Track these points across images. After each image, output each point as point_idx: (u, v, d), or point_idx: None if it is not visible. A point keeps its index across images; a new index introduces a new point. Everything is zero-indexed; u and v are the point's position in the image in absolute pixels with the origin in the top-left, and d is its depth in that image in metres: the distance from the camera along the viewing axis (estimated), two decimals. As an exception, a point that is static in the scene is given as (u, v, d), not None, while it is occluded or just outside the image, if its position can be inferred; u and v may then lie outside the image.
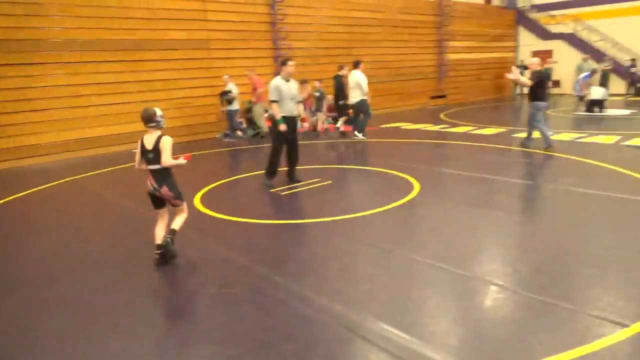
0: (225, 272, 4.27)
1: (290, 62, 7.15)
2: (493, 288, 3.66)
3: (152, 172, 4.32)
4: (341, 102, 11.81)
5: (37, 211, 6.78)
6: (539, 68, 9.06)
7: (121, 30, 11.29)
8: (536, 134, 9.24)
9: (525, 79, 9.26)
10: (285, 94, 7.07)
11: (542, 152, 8.78)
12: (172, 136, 4.43)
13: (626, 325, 3.02)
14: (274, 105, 7.09)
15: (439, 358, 2.81)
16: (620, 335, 2.93)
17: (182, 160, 4.42)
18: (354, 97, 11.11)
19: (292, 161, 7.47)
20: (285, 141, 7.25)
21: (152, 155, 4.28)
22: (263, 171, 7.42)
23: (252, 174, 8.16)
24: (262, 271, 4.17)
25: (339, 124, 12.34)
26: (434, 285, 3.80)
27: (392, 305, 3.48)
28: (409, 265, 4.20)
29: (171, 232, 4.47)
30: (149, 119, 4.27)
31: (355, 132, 11.24)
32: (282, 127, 7.01)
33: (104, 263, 4.60)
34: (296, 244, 5.03)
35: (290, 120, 7.18)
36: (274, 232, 5.40)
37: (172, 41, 12.11)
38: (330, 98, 14.54)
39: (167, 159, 4.24)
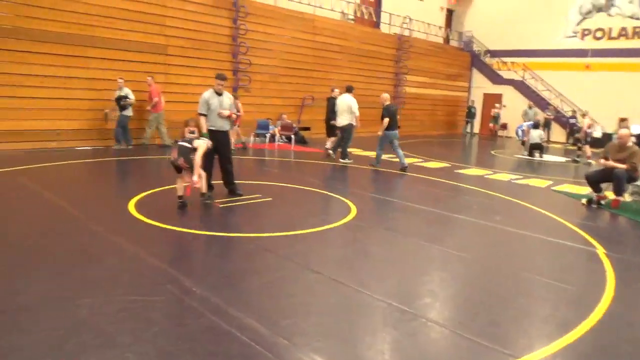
0: (148, 279, 4.16)
1: (218, 79, 7.05)
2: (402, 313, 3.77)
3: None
4: (332, 122, 12.04)
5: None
6: (387, 103, 10.94)
7: (74, 24, 11.01)
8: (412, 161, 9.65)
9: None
10: (214, 108, 7.01)
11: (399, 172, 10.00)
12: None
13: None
14: (201, 118, 7.03)
15: (340, 378, 2.84)
16: (513, 365, 3.08)
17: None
18: (343, 120, 11.35)
19: (227, 174, 7.38)
20: (213, 155, 7.12)
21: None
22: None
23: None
24: (185, 282, 4.10)
25: (328, 144, 12.33)
26: (351, 308, 3.85)
27: (300, 323, 3.51)
28: (333, 286, 4.25)
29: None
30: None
31: (344, 159, 11.49)
32: (207, 142, 6.71)
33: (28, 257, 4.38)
34: (223, 257, 4.99)
35: (218, 134, 7.09)
36: (206, 243, 5.33)
37: (126, 42, 11.90)
38: (285, 117, 14.69)
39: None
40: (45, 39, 10.57)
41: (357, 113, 11.34)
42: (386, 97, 11.11)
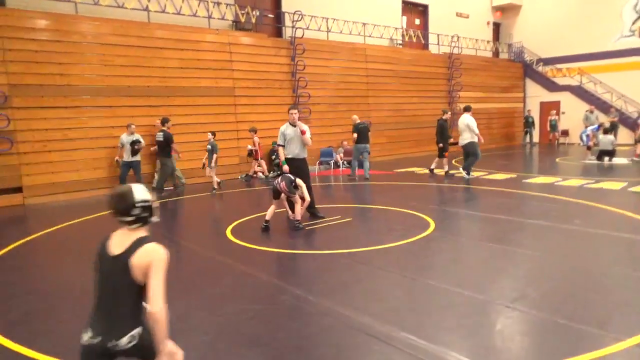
0: (264, 292, 4.72)
1: (292, 110, 7.75)
2: (505, 308, 4.07)
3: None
4: (440, 145, 12.78)
5: (71, 242, 7.33)
6: (357, 122, 12.62)
7: (154, 77, 12.22)
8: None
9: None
10: (290, 138, 7.70)
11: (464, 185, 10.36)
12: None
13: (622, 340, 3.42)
14: (280, 148, 7.73)
15: (453, 356, 3.22)
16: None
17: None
18: (464, 139, 11.96)
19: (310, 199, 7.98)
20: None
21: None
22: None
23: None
24: (297, 292, 4.62)
25: (433, 165, 13.29)
26: (456, 306, 4.21)
27: (414, 319, 3.90)
28: (432, 289, 4.62)
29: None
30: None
31: (462, 171, 12.04)
32: (285, 167, 7.55)
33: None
34: (324, 270, 5.48)
35: (296, 161, 7.71)
36: (303, 260, 5.86)
37: (201, 88, 13.01)
38: (346, 144, 15.27)
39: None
40: (130, 93, 11.80)
41: (477, 131, 11.77)
42: (355, 118, 12.96)
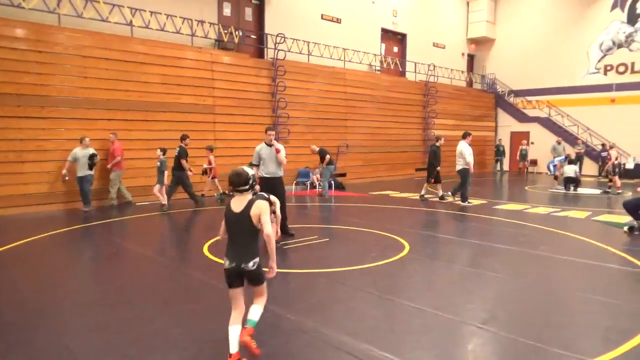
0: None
1: (269, 131, 8.01)
2: (477, 329, 4.24)
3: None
4: (429, 169, 13.00)
5: (54, 252, 7.21)
6: (323, 148, 14.04)
7: (134, 92, 12.21)
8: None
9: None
10: (266, 157, 7.90)
11: (439, 210, 9.65)
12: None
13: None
14: (254, 168, 7.87)
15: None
16: (584, 366, 3.52)
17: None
18: (458, 165, 12.11)
19: (282, 218, 8.11)
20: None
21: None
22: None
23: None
24: (277, 310, 4.69)
25: (423, 191, 13.33)
26: (432, 327, 4.36)
27: (392, 339, 4.02)
28: (410, 310, 4.76)
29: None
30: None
31: (460, 201, 12.23)
32: (257, 187, 7.62)
33: (132, 298, 5.07)
34: (303, 289, 5.56)
35: (272, 180, 7.89)
36: (282, 279, 5.93)
37: (181, 104, 13.05)
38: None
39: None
40: (110, 106, 11.75)
41: (468, 159, 11.88)
42: (314, 149, 14.20)
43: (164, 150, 11.13)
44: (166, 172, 11.03)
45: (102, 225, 9.18)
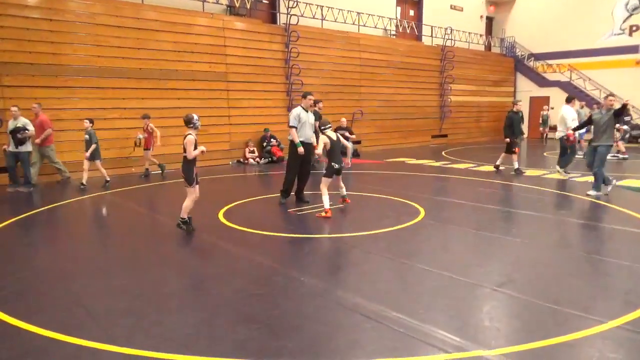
0: (259, 273, 4.80)
1: (309, 96, 7.98)
2: (492, 291, 4.20)
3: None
4: (508, 140, 11.56)
5: (77, 218, 7.33)
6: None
7: (149, 60, 12.13)
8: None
9: None
10: (304, 122, 7.85)
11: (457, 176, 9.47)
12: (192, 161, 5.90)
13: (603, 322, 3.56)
14: (293, 130, 7.79)
15: (442, 334, 3.33)
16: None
17: (202, 148, 5.99)
18: (558, 132, 11.14)
19: (302, 182, 8.16)
20: (300, 164, 7.91)
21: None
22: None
23: (263, 196, 8.76)
24: (292, 273, 4.70)
25: (499, 161, 11.98)
26: (446, 290, 4.33)
27: (405, 300, 4.01)
28: (418, 272, 4.74)
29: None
30: (187, 122, 6.02)
31: (558, 168, 11.14)
32: (300, 149, 7.68)
33: (145, 263, 5.14)
34: (318, 253, 5.57)
35: (307, 145, 7.90)
36: (297, 244, 5.94)
37: (194, 72, 12.95)
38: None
39: (189, 152, 5.94)
40: (124, 75, 11.71)
41: (568, 124, 10.61)
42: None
43: (91, 121, 9.75)
44: (94, 145, 9.69)
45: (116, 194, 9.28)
